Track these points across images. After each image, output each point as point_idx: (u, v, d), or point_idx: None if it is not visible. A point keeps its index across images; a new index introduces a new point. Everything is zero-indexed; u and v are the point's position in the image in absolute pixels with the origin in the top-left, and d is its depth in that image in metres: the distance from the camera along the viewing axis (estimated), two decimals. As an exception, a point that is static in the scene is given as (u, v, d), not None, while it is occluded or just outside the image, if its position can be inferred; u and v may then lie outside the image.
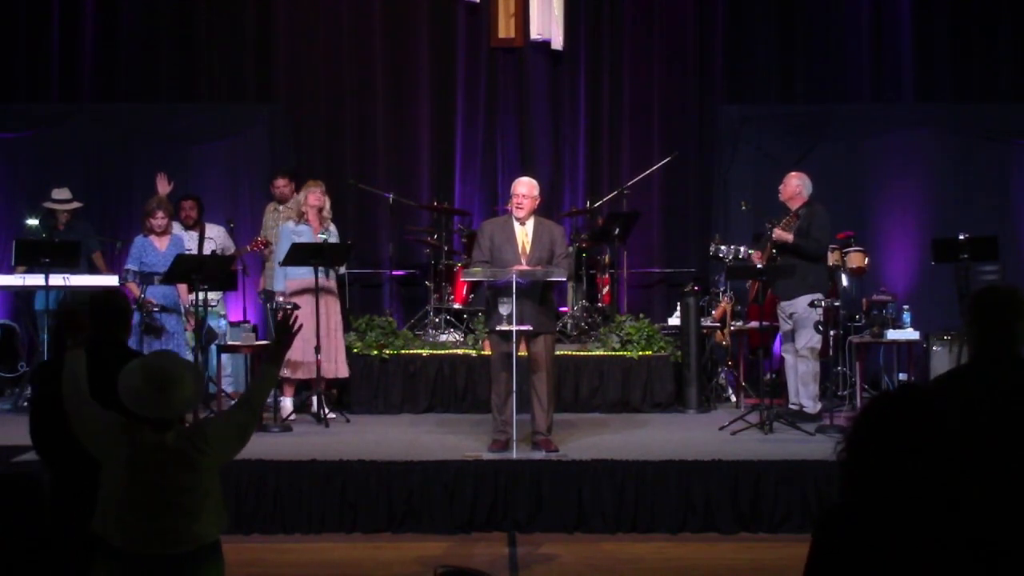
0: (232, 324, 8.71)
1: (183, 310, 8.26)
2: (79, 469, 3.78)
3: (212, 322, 8.49)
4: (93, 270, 9.15)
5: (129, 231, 9.79)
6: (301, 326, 3.92)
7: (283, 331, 3.80)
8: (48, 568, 3.44)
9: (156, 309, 8.12)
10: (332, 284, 8.29)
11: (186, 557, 3.44)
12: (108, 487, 3.48)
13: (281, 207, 9.27)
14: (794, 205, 7.98)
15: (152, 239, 8.35)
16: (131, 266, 8.30)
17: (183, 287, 8.24)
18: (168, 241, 8.39)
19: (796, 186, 8.04)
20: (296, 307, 7.89)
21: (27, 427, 4.46)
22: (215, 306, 8.60)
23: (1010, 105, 10.81)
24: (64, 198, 9.34)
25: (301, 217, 8.27)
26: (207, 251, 8.57)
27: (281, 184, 9.28)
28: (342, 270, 8.46)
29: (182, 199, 9.20)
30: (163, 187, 9.11)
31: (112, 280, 8.72)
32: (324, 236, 8.20)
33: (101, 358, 3.84)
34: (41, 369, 4.76)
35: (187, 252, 8.53)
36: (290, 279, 8.15)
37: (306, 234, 8.14)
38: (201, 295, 8.43)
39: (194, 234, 8.93)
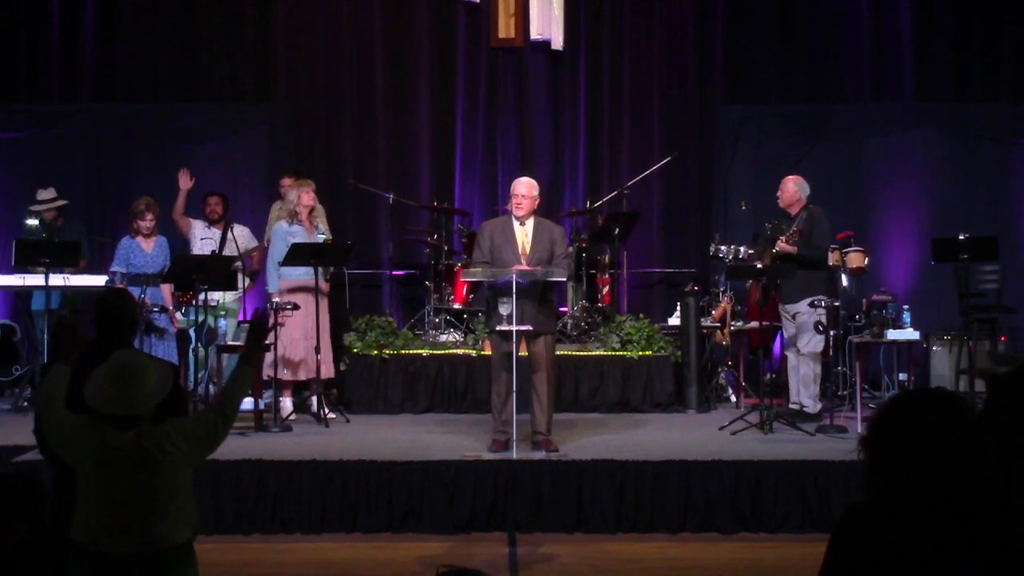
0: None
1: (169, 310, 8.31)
2: None
3: (211, 321, 8.49)
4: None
5: (128, 231, 9.81)
6: (272, 327, 3.94)
7: (258, 332, 3.80)
8: (48, 568, 3.44)
9: (156, 310, 8.13)
10: (324, 285, 8.28)
11: (154, 557, 3.43)
12: (82, 490, 3.49)
13: None
14: (793, 210, 7.97)
15: (139, 240, 8.37)
16: (118, 268, 8.31)
17: (166, 288, 8.26)
18: (154, 243, 8.40)
19: (794, 191, 8.02)
20: (296, 307, 7.91)
21: (28, 427, 4.46)
22: (215, 305, 8.59)
23: (1010, 105, 10.81)
24: (47, 198, 9.34)
25: (294, 217, 8.25)
26: (230, 251, 8.54)
27: (286, 183, 9.29)
28: (332, 269, 8.45)
29: (208, 195, 9.21)
30: (185, 183, 9.12)
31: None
32: (324, 236, 8.19)
33: (106, 359, 3.84)
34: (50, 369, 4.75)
35: (199, 250, 8.56)
36: (284, 279, 8.14)
37: (300, 234, 8.14)
38: (218, 295, 8.49)
39: (217, 231, 8.92)
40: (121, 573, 3.41)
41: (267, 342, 7.80)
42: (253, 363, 3.77)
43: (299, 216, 8.23)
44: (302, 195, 8.27)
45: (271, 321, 3.65)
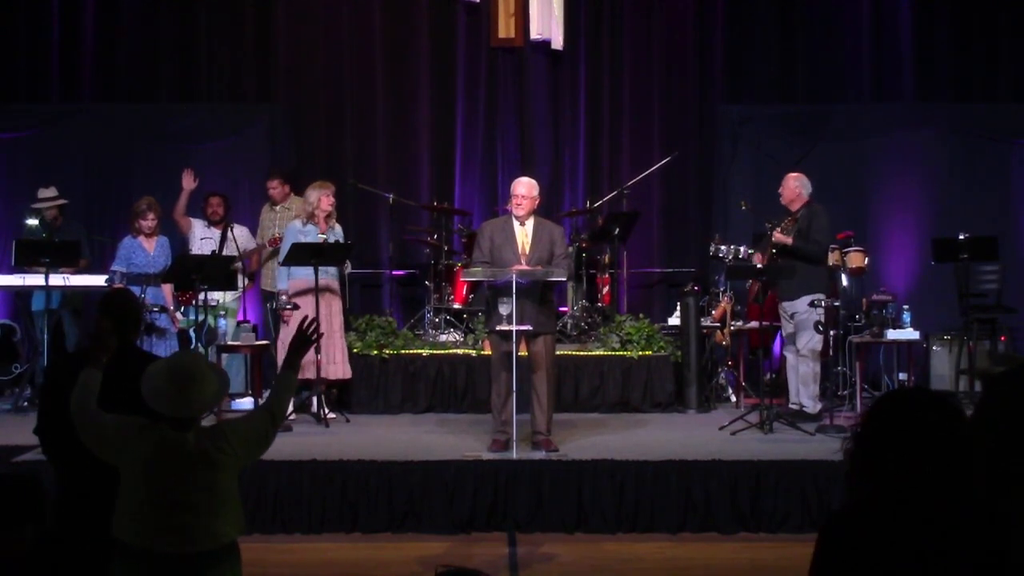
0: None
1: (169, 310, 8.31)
2: (85, 468, 3.79)
3: (211, 321, 8.49)
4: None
5: (128, 231, 9.80)
6: (322, 335, 3.95)
7: (302, 338, 3.84)
8: (51, 568, 3.45)
9: (156, 309, 8.13)
10: (335, 284, 8.27)
11: (204, 556, 3.47)
12: (128, 490, 3.51)
13: (277, 207, 9.27)
14: (795, 207, 7.98)
15: (140, 240, 8.37)
16: (118, 267, 8.31)
17: (167, 288, 8.25)
18: (156, 242, 8.40)
19: (795, 188, 8.04)
20: (296, 307, 7.91)
21: (28, 427, 4.45)
22: (215, 305, 8.59)
23: (1010, 105, 10.81)
24: (48, 196, 9.34)
25: (310, 218, 8.21)
26: (230, 251, 8.54)
27: (273, 185, 9.29)
28: (348, 268, 8.46)
29: (209, 195, 9.22)
30: (188, 183, 9.14)
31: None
32: (323, 236, 8.18)
33: (112, 359, 3.84)
34: (53, 368, 4.76)
35: (199, 250, 8.54)
36: (293, 279, 8.13)
37: (312, 234, 8.11)
38: (218, 295, 8.49)
39: (217, 231, 8.92)
40: (172, 572, 3.44)
41: (264, 342, 7.91)
42: (295, 367, 3.87)
43: (315, 218, 8.19)
44: (322, 199, 8.18)
45: (313, 331, 3.73)
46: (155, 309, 8.13)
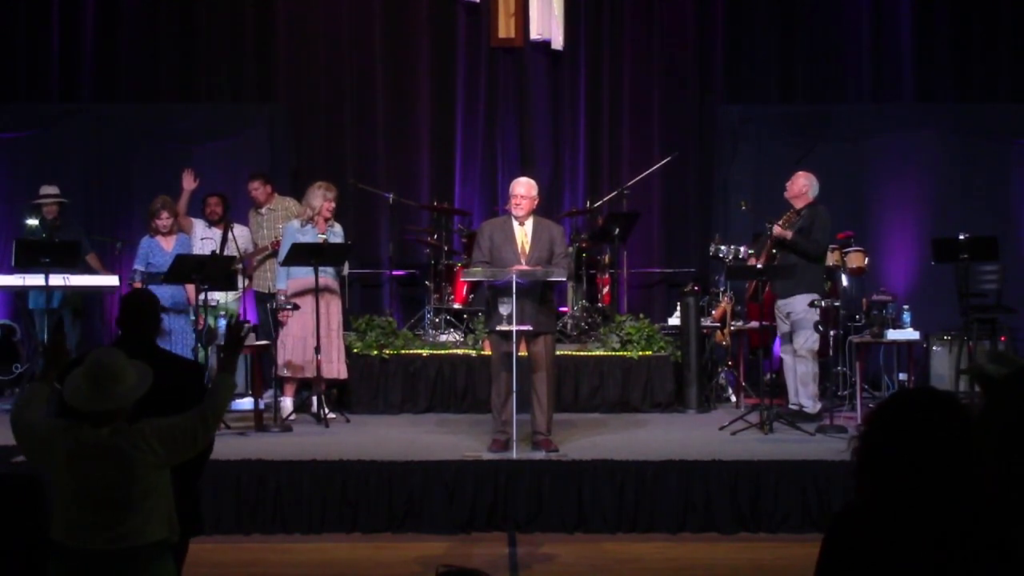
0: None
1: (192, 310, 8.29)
2: None
3: (211, 321, 8.48)
4: (88, 271, 9.13)
5: (129, 231, 9.81)
6: (247, 339, 3.92)
7: (233, 339, 3.84)
8: (49, 569, 3.46)
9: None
10: (334, 284, 8.28)
11: (127, 554, 3.45)
12: (57, 490, 3.53)
13: (263, 210, 9.25)
14: (798, 204, 7.97)
15: (158, 239, 8.41)
16: (138, 266, 8.39)
17: (191, 288, 8.26)
18: (174, 241, 8.43)
19: (803, 185, 8.03)
20: (295, 307, 7.91)
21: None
22: (215, 305, 8.58)
23: (1010, 105, 10.81)
24: (48, 193, 9.34)
25: (310, 220, 8.21)
26: (231, 251, 8.54)
27: (255, 187, 9.25)
28: (346, 270, 8.44)
29: (208, 195, 9.21)
30: (188, 183, 9.13)
31: (112, 279, 8.74)
32: (323, 236, 8.19)
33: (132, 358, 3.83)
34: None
35: (199, 250, 8.53)
36: (293, 278, 8.13)
37: (311, 234, 8.11)
38: (218, 295, 8.50)
39: (217, 231, 8.92)
40: (96, 569, 3.45)
41: (264, 342, 7.92)
42: (231, 370, 3.82)
43: (314, 220, 8.18)
44: (324, 205, 8.21)
45: (243, 331, 3.75)
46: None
